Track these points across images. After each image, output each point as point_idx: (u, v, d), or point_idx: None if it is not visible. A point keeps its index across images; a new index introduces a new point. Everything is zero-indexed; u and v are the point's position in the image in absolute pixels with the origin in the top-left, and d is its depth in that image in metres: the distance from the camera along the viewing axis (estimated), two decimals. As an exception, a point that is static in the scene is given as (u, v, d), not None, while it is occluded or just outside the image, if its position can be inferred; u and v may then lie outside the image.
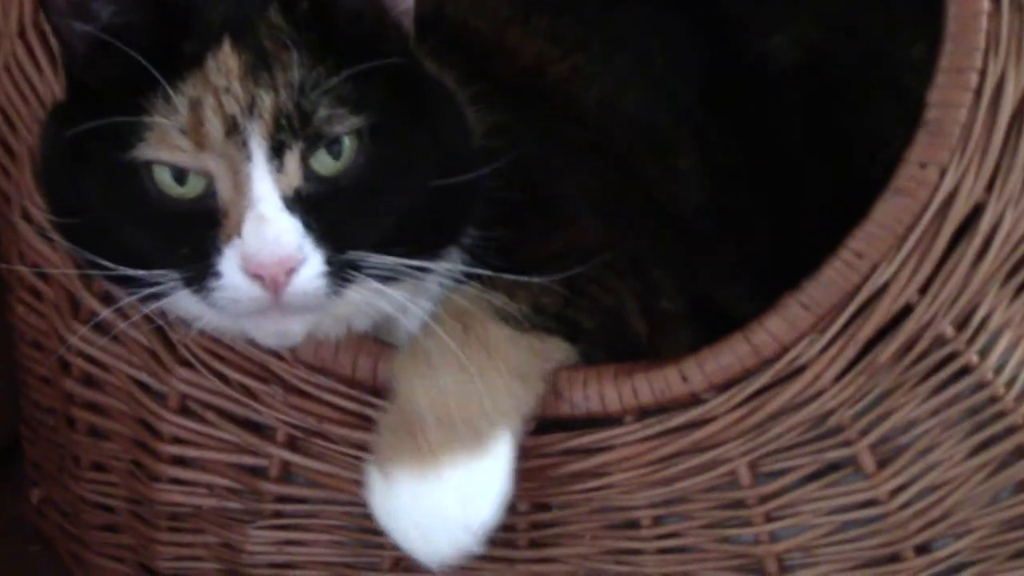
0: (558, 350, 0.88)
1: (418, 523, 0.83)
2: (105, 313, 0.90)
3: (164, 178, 0.79)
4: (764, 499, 0.90)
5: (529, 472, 0.90)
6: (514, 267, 0.85)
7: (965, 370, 0.86)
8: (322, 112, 0.79)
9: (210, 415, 0.96)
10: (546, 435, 0.90)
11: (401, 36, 0.84)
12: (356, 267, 0.80)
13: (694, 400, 0.88)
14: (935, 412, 0.87)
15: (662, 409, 0.88)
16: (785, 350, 0.86)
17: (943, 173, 0.83)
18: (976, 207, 0.84)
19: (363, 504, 0.91)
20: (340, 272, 0.79)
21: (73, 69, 0.84)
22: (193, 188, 0.79)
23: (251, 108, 0.78)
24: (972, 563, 0.90)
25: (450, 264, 0.86)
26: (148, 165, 0.79)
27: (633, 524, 0.92)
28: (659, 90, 1.06)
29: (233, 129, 0.78)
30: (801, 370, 0.86)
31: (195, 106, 0.78)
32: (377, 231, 0.81)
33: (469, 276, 0.85)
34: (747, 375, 0.87)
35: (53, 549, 1.11)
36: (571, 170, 0.95)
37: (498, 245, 0.86)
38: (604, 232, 0.93)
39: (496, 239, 0.86)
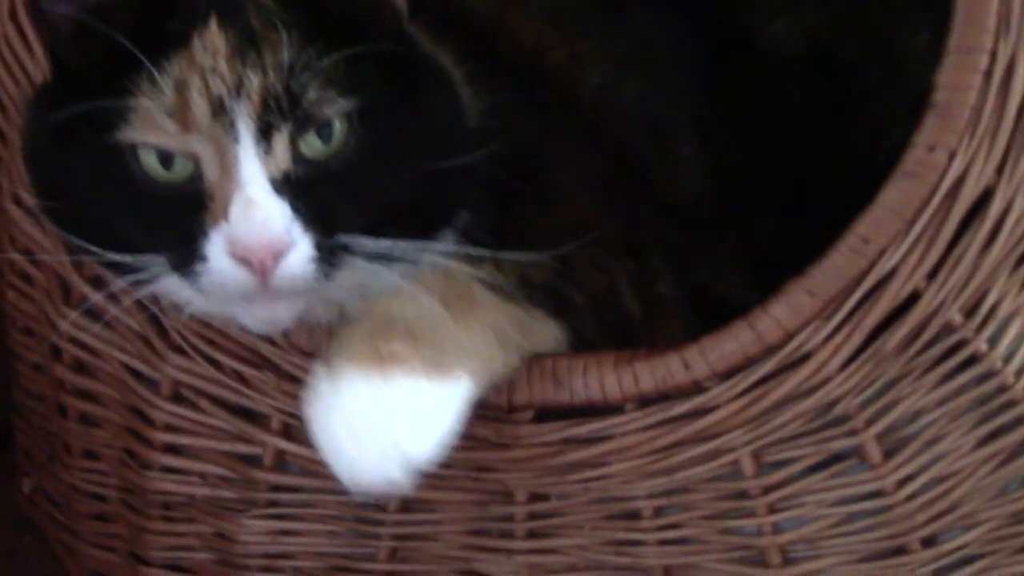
0: (543, 328, 0.86)
1: (354, 429, 0.78)
2: (96, 298, 0.89)
3: (150, 161, 0.78)
4: (767, 490, 0.89)
5: (527, 461, 0.89)
6: (505, 244, 0.83)
7: (974, 358, 0.85)
8: (312, 94, 0.78)
9: (203, 402, 0.95)
10: (545, 423, 0.89)
11: (395, 16, 0.82)
12: (346, 251, 0.79)
13: (696, 388, 0.87)
14: (943, 401, 0.86)
15: (663, 397, 0.88)
16: (790, 337, 0.85)
17: (952, 156, 0.82)
18: (986, 191, 0.83)
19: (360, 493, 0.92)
20: (330, 256, 0.78)
21: (57, 51, 0.83)
22: (179, 171, 0.78)
23: (238, 89, 0.77)
24: (980, 556, 0.89)
25: (443, 246, 0.84)
26: (133, 148, 0.78)
27: (633, 515, 0.91)
28: (659, 77, 1.05)
29: (220, 110, 0.77)
30: (806, 358, 0.85)
31: (181, 87, 0.77)
32: (368, 215, 0.80)
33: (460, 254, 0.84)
34: (750, 362, 0.86)
35: (45, 539, 1.11)
36: (568, 154, 0.94)
37: (491, 225, 0.85)
38: (599, 213, 0.92)
39: (490, 219, 0.85)
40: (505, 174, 0.85)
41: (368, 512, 0.94)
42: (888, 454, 0.87)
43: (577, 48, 1.02)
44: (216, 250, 0.77)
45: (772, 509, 0.89)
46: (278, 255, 0.76)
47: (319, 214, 0.78)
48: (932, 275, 0.83)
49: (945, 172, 0.82)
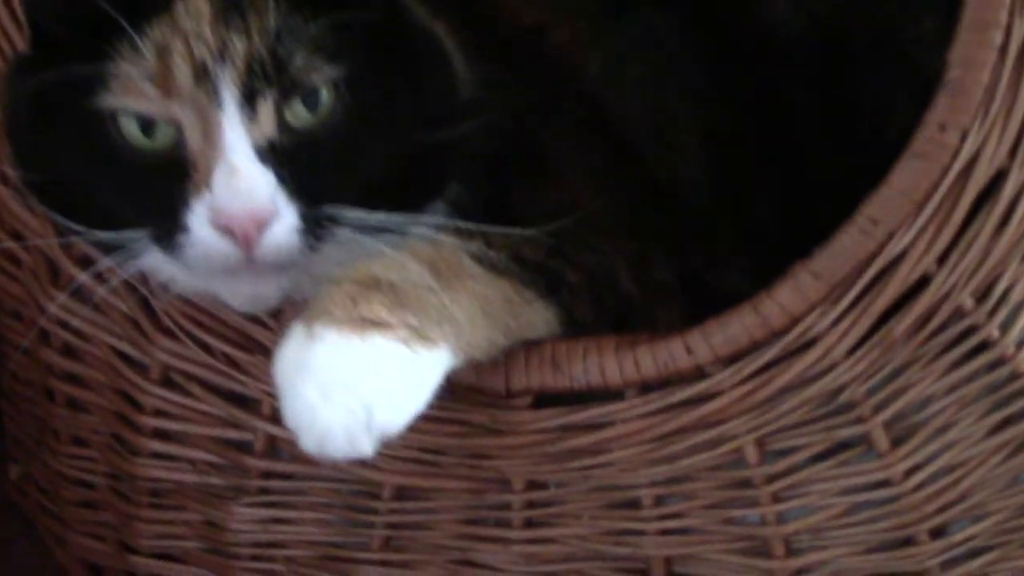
0: (533, 310, 0.84)
1: (324, 388, 0.75)
2: (82, 278, 0.88)
3: (131, 129, 0.78)
4: (771, 478, 0.88)
5: (525, 448, 0.88)
6: (497, 219, 0.82)
7: (984, 345, 0.84)
8: (298, 60, 0.77)
9: (193, 387, 0.94)
10: (543, 409, 0.88)
11: None
12: (333, 222, 0.78)
13: (699, 374, 0.86)
14: (952, 389, 0.85)
15: (665, 383, 0.87)
16: (795, 322, 0.84)
17: (964, 136, 0.80)
18: (998, 173, 0.81)
19: (353, 481, 0.93)
20: (315, 227, 0.77)
21: (35, 17, 0.82)
22: (161, 139, 0.78)
23: (222, 53, 0.76)
24: (989, 548, 0.88)
25: (432, 218, 0.83)
26: (114, 115, 0.77)
27: (634, 503, 0.90)
28: (661, 61, 1.04)
29: (203, 75, 0.76)
30: (812, 343, 0.84)
31: (163, 52, 0.76)
32: (355, 185, 0.79)
33: (450, 227, 0.82)
34: (755, 348, 0.85)
35: (33, 528, 1.10)
36: (564, 134, 0.94)
37: (483, 199, 0.84)
38: (595, 192, 0.91)
39: (482, 193, 0.84)
40: (499, 147, 0.84)
41: (361, 500, 0.93)
42: (896, 442, 0.86)
43: (578, 30, 1.01)
44: (198, 220, 0.76)
45: (776, 498, 0.88)
46: (262, 225, 0.76)
47: (305, 183, 0.77)
48: (943, 259, 0.82)
49: (957, 153, 0.80)
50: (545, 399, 0.88)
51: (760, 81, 1.05)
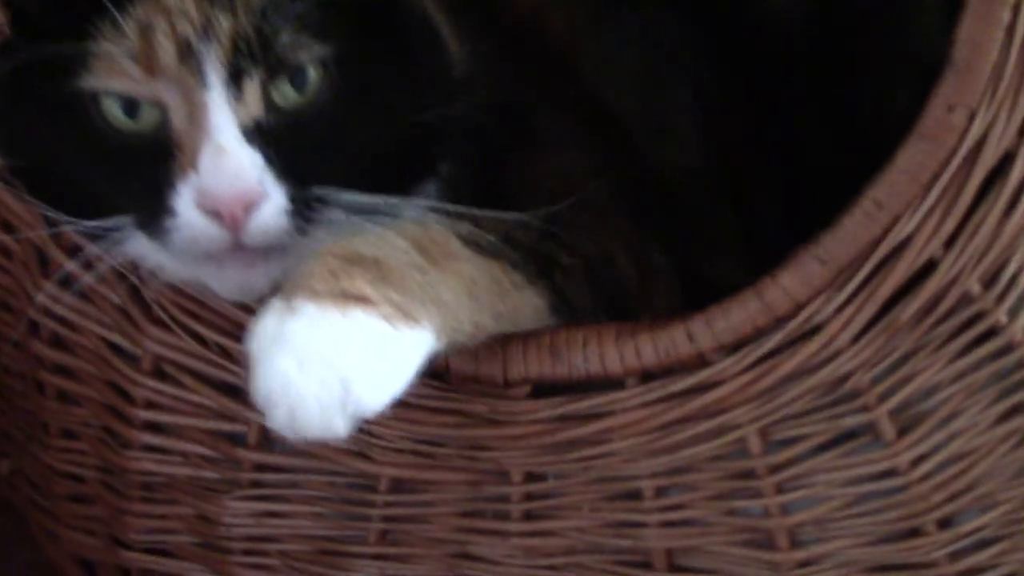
0: (523, 296, 0.82)
1: (301, 362, 0.72)
2: (69, 266, 0.87)
3: (113, 110, 0.77)
4: (775, 469, 0.87)
5: (523, 439, 0.88)
6: (490, 199, 0.81)
7: (993, 331, 0.83)
8: (285, 38, 0.76)
9: (185, 378, 0.93)
10: (542, 399, 0.87)
11: None
12: (322, 204, 0.77)
13: (701, 362, 0.85)
14: (960, 376, 0.84)
15: (667, 371, 0.86)
16: (799, 308, 0.83)
17: (971, 117, 0.79)
18: (1006, 154, 0.80)
19: (348, 473, 0.92)
20: (304, 209, 0.76)
21: None
22: (145, 120, 0.77)
23: (206, 31, 0.75)
24: (998, 539, 0.87)
25: (424, 200, 0.82)
26: (95, 96, 0.77)
27: (635, 495, 0.89)
28: (659, 48, 1.03)
29: (187, 54, 0.75)
30: (816, 330, 0.83)
31: (145, 30, 0.75)
32: (345, 166, 0.78)
33: (440, 210, 0.81)
34: (758, 335, 0.84)
35: (24, 522, 1.09)
36: (559, 119, 0.93)
37: (476, 178, 0.83)
38: (590, 175, 0.90)
39: (474, 172, 0.83)
40: (492, 125, 0.83)
41: (357, 493, 0.92)
42: (902, 431, 0.85)
43: (576, 18, 1.01)
44: (185, 203, 0.75)
45: (780, 489, 0.88)
46: (250, 206, 0.75)
47: (293, 164, 0.76)
48: (950, 243, 0.81)
49: (964, 134, 0.79)
50: (544, 388, 0.87)
51: (758, 70, 1.04)
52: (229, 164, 0.74)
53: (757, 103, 1.03)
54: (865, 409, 0.85)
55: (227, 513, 0.95)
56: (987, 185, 0.80)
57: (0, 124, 0.82)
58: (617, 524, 0.90)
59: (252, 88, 0.76)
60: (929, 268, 0.82)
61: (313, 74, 0.77)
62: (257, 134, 0.76)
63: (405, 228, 0.78)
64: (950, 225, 0.81)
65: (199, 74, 0.75)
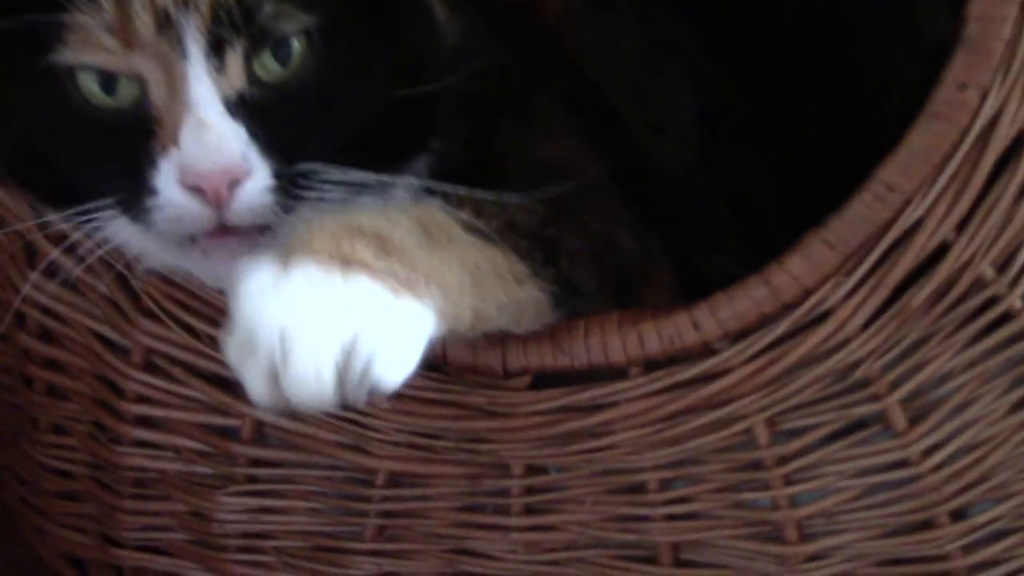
0: (524, 289, 0.80)
1: (293, 320, 0.67)
2: (54, 254, 0.85)
3: (90, 86, 0.75)
4: (783, 460, 0.86)
5: (524, 431, 0.87)
6: (484, 177, 0.80)
7: (1007, 316, 0.82)
8: (267, 8, 0.74)
9: (177, 371, 0.93)
10: (543, 390, 0.87)
11: None
12: (308, 181, 0.75)
13: (706, 350, 0.84)
14: (973, 363, 0.83)
15: (671, 360, 0.85)
16: (807, 294, 0.82)
17: (984, 96, 0.78)
18: (1020, 134, 0.79)
19: (345, 468, 0.91)
20: (290, 186, 0.75)
21: None
22: (123, 95, 0.75)
23: (185, 0, 0.73)
24: (1013, 530, 0.86)
25: (416, 178, 0.81)
26: (71, 71, 0.75)
27: (639, 488, 0.89)
28: (658, 37, 1.03)
29: (166, 24, 0.73)
30: (825, 316, 0.82)
31: (122, 0, 0.73)
32: (332, 142, 0.77)
33: (435, 192, 0.80)
34: (765, 322, 0.83)
35: (13, 520, 1.08)
36: (555, 98, 0.92)
37: (469, 155, 0.82)
38: (588, 156, 0.89)
39: (467, 149, 0.82)
40: (488, 107, 0.82)
41: (354, 488, 0.92)
42: (914, 421, 0.85)
43: (572, 2, 1.00)
44: (166, 180, 0.74)
45: (788, 481, 0.87)
46: (234, 182, 0.73)
47: (278, 139, 0.75)
48: (962, 226, 0.80)
49: (977, 113, 0.78)
50: (545, 379, 0.86)
51: (759, 57, 1.03)
52: (211, 138, 0.73)
53: (757, 94, 1.03)
54: (875, 398, 0.84)
55: (221, 509, 0.94)
56: (1000, 166, 0.79)
57: None
58: (621, 518, 0.89)
59: (234, 60, 0.74)
60: (941, 252, 0.81)
61: (297, 45, 0.76)
62: (240, 107, 0.74)
63: (406, 208, 0.77)
64: (962, 207, 0.80)
65: (178, 45, 0.73)
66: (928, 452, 0.85)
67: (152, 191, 0.74)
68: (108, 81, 0.75)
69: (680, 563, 0.90)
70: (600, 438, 0.87)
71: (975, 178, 0.79)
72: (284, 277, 0.69)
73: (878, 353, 0.83)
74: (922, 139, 0.79)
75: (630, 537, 0.89)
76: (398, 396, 0.88)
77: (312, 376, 0.67)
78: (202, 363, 0.91)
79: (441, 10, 0.83)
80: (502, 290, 0.79)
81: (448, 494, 0.91)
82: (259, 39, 0.74)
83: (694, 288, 0.86)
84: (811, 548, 0.88)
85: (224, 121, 0.74)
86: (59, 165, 0.77)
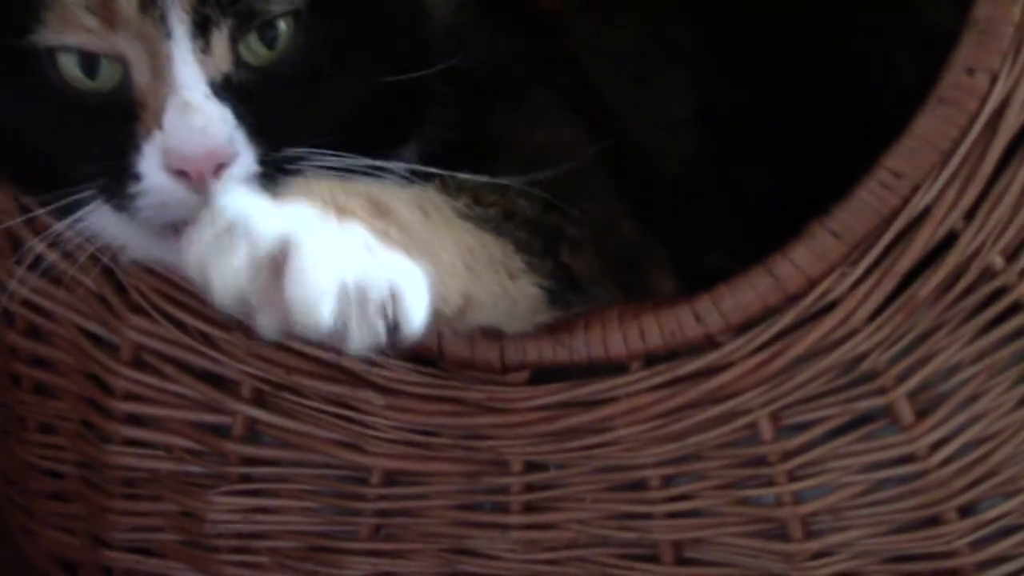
0: (518, 284, 0.79)
1: (299, 226, 0.65)
2: (39, 247, 0.84)
3: (71, 68, 0.74)
4: (787, 455, 0.86)
5: (523, 427, 0.87)
6: (478, 161, 0.79)
7: (1016, 307, 0.81)
8: None
9: (167, 368, 0.92)
10: (542, 385, 0.86)
11: None
12: (296, 166, 0.74)
13: (709, 343, 0.84)
14: (981, 355, 0.83)
15: (673, 354, 0.84)
16: (812, 285, 0.81)
17: (993, 80, 0.77)
18: None
19: (340, 466, 0.91)
20: (277, 172, 0.74)
21: None
22: (105, 77, 0.74)
23: None
24: (1022, 526, 0.86)
25: (408, 164, 0.80)
26: (51, 52, 0.74)
27: (640, 485, 0.88)
28: (656, 29, 1.03)
29: (149, 3, 0.72)
30: (830, 308, 0.82)
31: None
32: (320, 127, 0.76)
33: (430, 177, 0.79)
34: (769, 314, 0.82)
35: (1, 522, 1.07)
36: (550, 85, 0.91)
37: (466, 142, 0.81)
38: (584, 139, 0.88)
39: (464, 135, 0.81)
40: (482, 93, 0.81)
41: (349, 486, 0.91)
42: (921, 414, 0.84)
43: None
44: (150, 165, 0.73)
45: (793, 477, 0.86)
46: (220, 166, 0.72)
47: (265, 123, 0.74)
48: (970, 214, 0.80)
49: (986, 98, 0.77)
50: (543, 373, 0.86)
51: (758, 48, 1.03)
52: (196, 121, 0.72)
53: (756, 86, 1.02)
54: (882, 391, 0.84)
55: (213, 509, 0.93)
56: (1009, 152, 0.79)
57: None
58: (622, 515, 0.89)
59: (220, 40, 0.73)
60: (949, 241, 0.80)
61: (284, 27, 0.75)
62: (226, 89, 0.73)
63: (404, 188, 0.76)
64: (971, 195, 0.79)
65: (162, 25, 0.72)
66: (935, 446, 0.84)
67: (136, 176, 0.73)
68: (89, 63, 0.74)
69: (682, 561, 0.89)
70: (600, 434, 0.86)
71: (984, 165, 0.79)
72: (279, 205, 0.67)
73: (885, 345, 0.82)
74: (929, 125, 0.78)
75: (631, 535, 0.89)
76: (393, 392, 0.88)
77: (322, 283, 0.64)
78: (192, 359, 0.91)
79: None
80: (495, 280, 0.78)
81: (445, 492, 0.90)
82: (245, 20, 0.73)
83: (692, 288, 0.86)
84: (816, 545, 0.87)
85: (209, 103, 0.72)
86: (40, 152, 0.76)
